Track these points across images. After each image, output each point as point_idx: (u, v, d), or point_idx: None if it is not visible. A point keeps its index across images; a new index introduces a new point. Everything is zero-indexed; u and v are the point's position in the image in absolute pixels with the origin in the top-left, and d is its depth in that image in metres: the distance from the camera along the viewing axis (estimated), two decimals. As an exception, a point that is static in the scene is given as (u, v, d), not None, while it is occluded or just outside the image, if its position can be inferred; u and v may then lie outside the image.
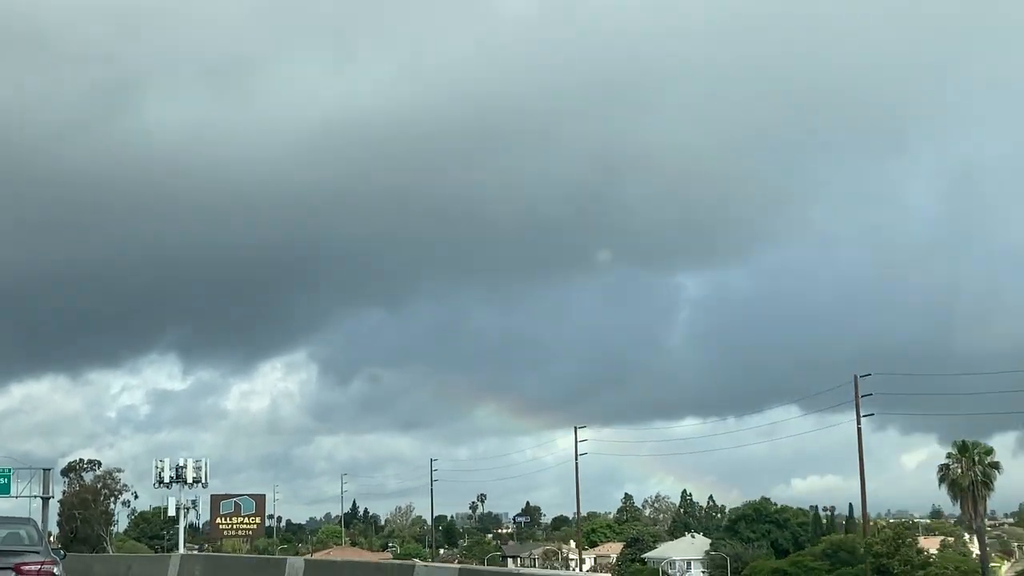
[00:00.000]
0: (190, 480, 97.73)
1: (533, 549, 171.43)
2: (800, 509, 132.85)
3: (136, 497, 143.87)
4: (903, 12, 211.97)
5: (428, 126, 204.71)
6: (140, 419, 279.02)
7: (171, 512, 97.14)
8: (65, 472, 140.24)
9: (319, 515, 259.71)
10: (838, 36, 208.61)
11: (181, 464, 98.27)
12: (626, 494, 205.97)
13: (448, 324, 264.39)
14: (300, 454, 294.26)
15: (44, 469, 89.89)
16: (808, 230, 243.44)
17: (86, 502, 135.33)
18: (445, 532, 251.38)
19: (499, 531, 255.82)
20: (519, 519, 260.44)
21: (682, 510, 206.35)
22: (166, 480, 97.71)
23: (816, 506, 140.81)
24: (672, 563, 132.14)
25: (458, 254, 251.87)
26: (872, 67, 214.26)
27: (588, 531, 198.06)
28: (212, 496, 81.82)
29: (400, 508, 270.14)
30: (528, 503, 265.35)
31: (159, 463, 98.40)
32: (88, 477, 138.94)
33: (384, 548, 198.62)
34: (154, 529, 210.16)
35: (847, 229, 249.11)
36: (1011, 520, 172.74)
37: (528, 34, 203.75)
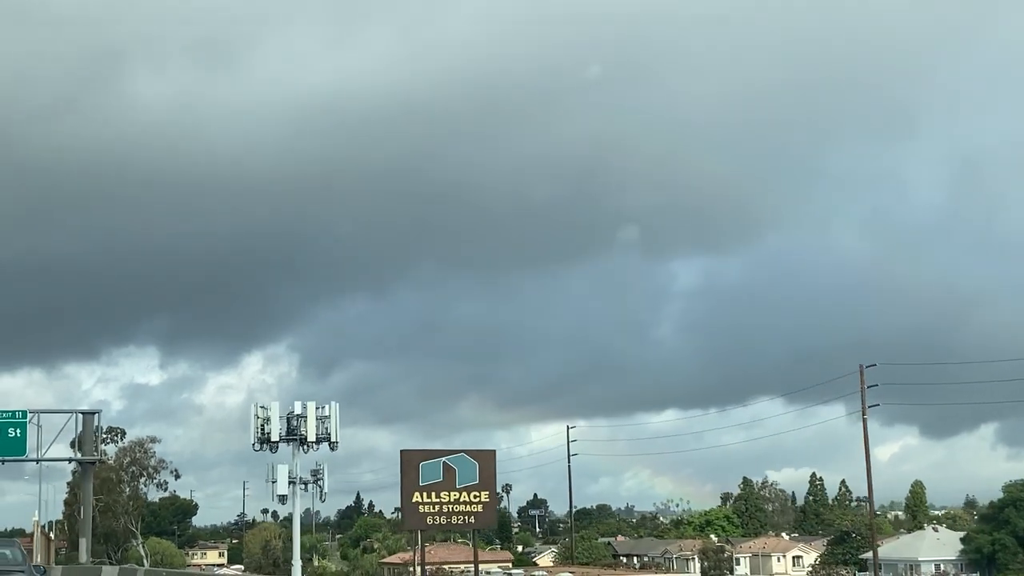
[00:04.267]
0: (312, 437, 61.34)
1: (667, 546, 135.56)
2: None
3: (177, 477, 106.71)
4: None
5: (422, 105, 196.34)
6: (112, 414, 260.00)
7: (281, 490, 60.27)
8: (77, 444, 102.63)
9: (309, 509, 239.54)
10: (845, 16, 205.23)
11: (298, 412, 61.72)
12: (744, 478, 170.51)
13: (433, 314, 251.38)
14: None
15: (84, 413, 53.11)
16: (807, 216, 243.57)
17: (108, 484, 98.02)
18: (500, 527, 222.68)
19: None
20: (533, 512, 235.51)
21: (811, 497, 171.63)
22: (274, 437, 61.03)
23: None
24: (914, 566, 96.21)
25: (445, 240, 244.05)
26: (880, 49, 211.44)
27: (703, 524, 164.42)
28: (404, 454, 44.41)
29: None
30: (536, 495, 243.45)
31: (260, 411, 61.83)
32: (110, 451, 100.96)
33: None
34: (162, 524, 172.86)
35: (847, 215, 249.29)
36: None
37: (527, 9, 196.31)
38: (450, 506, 45.57)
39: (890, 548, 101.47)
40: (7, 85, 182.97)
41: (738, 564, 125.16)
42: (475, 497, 45.91)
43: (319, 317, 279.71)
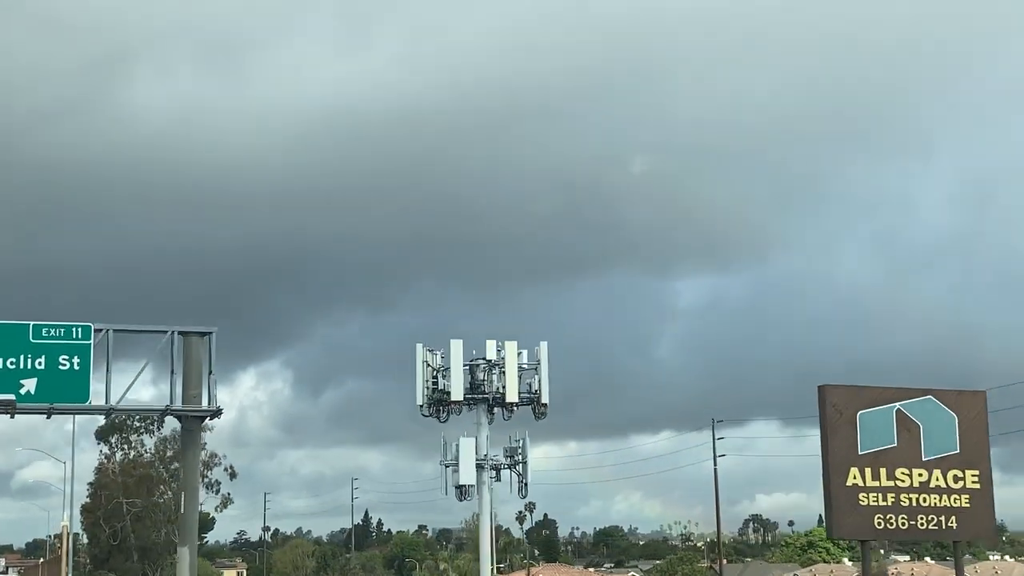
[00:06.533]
0: (513, 396, 40.42)
1: (794, 571, 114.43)
2: None
3: (233, 477, 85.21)
4: (922, 16, 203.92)
5: (426, 115, 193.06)
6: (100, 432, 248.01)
7: (464, 478, 39.33)
8: (104, 433, 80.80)
9: (300, 528, 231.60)
10: (855, 36, 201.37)
11: (490, 358, 40.55)
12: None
13: (430, 329, 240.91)
14: (262, 468, 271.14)
15: (187, 333, 31.87)
16: (812, 236, 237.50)
17: (146, 484, 76.37)
18: (544, 544, 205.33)
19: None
20: (546, 532, 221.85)
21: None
22: (456, 394, 40.09)
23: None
24: None
25: (446, 253, 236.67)
26: (889, 71, 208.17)
27: (804, 545, 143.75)
28: (826, 393, 22.29)
29: (478, 516, 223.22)
30: (546, 515, 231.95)
31: (430, 356, 40.76)
32: (148, 441, 79.18)
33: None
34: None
35: (852, 236, 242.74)
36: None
37: (535, 23, 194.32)
38: (914, 496, 23.99)
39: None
40: (8, 88, 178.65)
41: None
42: (956, 481, 24.41)
43: (316, 332, 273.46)
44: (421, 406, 39.98)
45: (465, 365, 39.95)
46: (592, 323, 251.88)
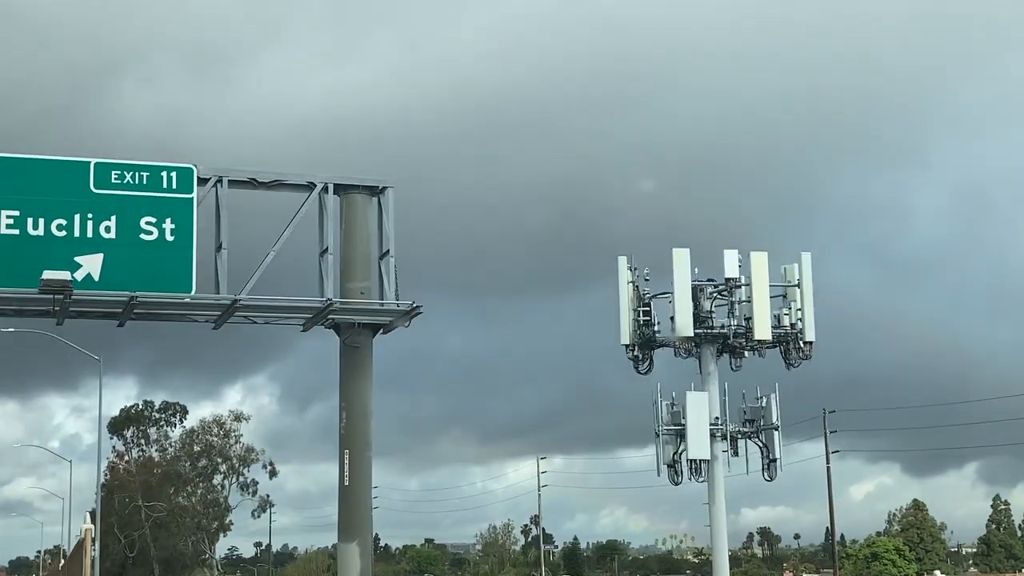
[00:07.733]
0: (763, 332, 27.82)
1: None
2: None
3: (273, 475, 72.79)
4: (913, 19, 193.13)
5: (417, 123, 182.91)
6: (84, 448, 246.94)
7: (696, 450, 26.86)
8: (118, 427, 67.95)
9: (287, 545, 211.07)
10: (846, 41, 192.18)
11: (728, 278, 27.92)
12: (915, 501, 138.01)
13: (418, 344, 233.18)
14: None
15: (348, 186, 19.55)
16: (804, 246, 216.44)
17: (169, 480, 63.74)
18: (566, 558, 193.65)
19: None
20: (547, 547, 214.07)
21: (993, 525, 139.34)
22: (680, 328, 27.29)
23: None
24: None
25: (433, 265, 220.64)
26: (883, 78, 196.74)
27: (867, 557, 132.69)
28: None
29: (495, 528, 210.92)
30: (544, 529, 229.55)
31: (632, 274, 27.87)
32: (174, 434, 66.56)
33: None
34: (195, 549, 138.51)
35: (844, 246, 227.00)
36: None
37: (529, 32, 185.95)
38: None
39: None
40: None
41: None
42: None
43: (302, 345, 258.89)
44: (627, 346, 27.87)
45: (696, 284, 28.00)
46: (578, 337, 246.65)
